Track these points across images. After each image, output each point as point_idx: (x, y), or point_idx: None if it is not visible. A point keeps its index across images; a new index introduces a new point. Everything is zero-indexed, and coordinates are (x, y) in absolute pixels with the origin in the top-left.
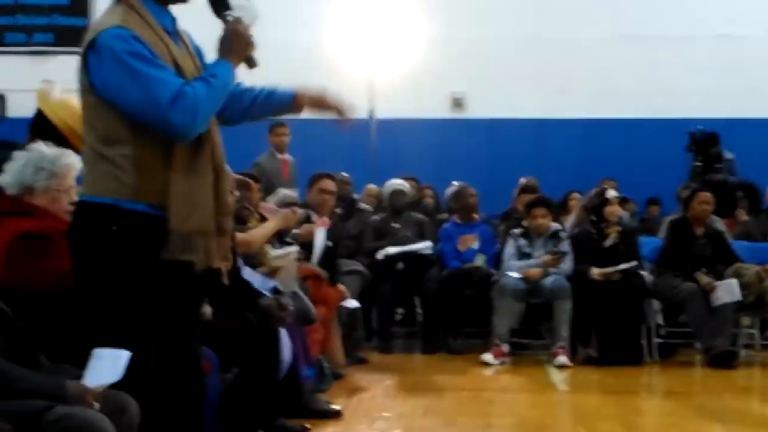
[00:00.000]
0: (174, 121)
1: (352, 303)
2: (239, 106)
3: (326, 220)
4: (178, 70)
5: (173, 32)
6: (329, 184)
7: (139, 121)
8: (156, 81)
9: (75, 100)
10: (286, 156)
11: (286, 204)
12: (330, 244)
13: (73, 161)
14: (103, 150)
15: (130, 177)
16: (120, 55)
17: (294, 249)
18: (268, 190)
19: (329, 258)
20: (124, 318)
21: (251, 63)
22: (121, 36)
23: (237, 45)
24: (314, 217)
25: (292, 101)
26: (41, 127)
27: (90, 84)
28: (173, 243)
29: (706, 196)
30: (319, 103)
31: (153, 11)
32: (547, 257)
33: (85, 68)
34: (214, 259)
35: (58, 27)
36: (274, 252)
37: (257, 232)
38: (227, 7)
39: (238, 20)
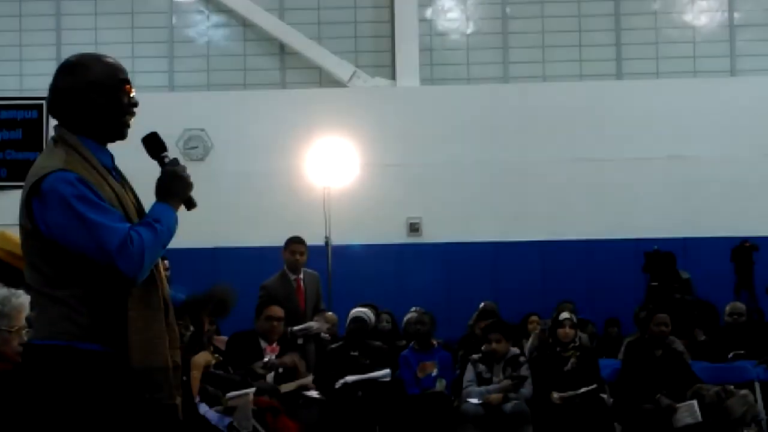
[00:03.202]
0: (122, 268)
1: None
2: None
3: (275, 347)
4: (122, 207)
5: (112, 168)
6: (277, 311)
7: (88, 260)
8: (103, 228)
9: (6, 233)
10: (302, 275)
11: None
12: (281, 370)
13: (23, 301)
14: (52, 292)
15: (84, 318)
16: (67, 199)
17: (251, 390)
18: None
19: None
20: None
21: (190, 204)
22: (66, 179)
23: (177, 187)
24: (263, 343)
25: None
26: None
27: (34, 227)
28: (137, 381)
29: (663, 317)
30: None
31: (92, 149)
32: (507, 382)
33: (29, 212)
34: (176, 394)
35: (10, 161)
36: (229, 393)
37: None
38: (163, 148)
39: (175, 161)
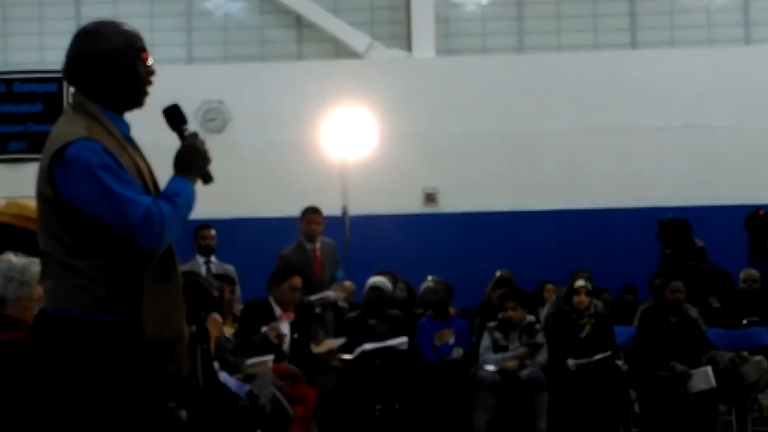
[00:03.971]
0: (142, 242)
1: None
2: None
3: (291, 314)
4: (141, 177)
5: (128, 138)
6: (298, 281)
7: (108, 231)
8: (127, 201)
9: (18, 201)
10: (318, 245)
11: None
12: (296, 336)
13: None
14: (71, 262)
15: (101, 289)
16: (92, 168)
17: (269, 357)
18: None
19: (301, 352)
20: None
21: (207, 179)
22: (92, 149)
23: (196, 161)
24: (278, 311)
25: None
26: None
27: (56, 195)
28: (150, 352)
29: (678, 284)
30: None
31: (111, 118)
32: (523, 350)
33: (50, 180)
34: (186, 366)
35: (31, 134)
36: (249, 359)
37: None
38: (184, 120)
39: (195, 135)
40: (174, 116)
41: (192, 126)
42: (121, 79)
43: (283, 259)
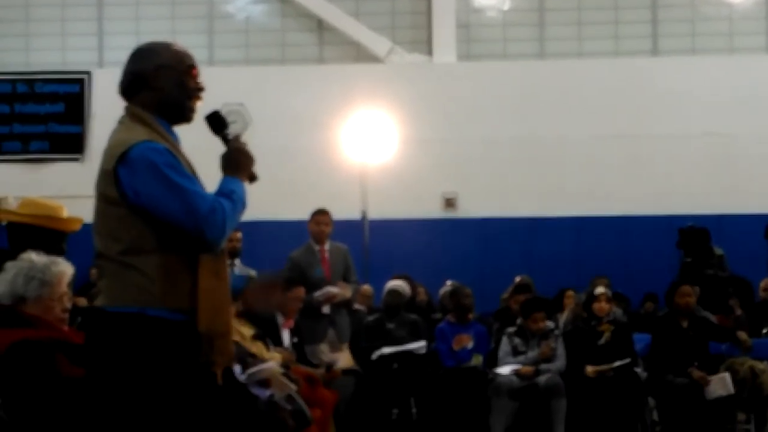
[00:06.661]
0: (208, 234)
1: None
2: None
3: (291, 322)
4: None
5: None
6: (303, 291)
7: (174, 228)
8: (194, 194)
9: (33, 199)
10: (327, 247)
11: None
12: (296, 340)
13: (63, 269)
14: (129, 260)
15: (157, 285)
16: (158, 166)
17: (271, 364)
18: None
19: (303, 354)
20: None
21: (253, 178)
22: (156, 149)
23: (243, 162)
24: (280, 319)
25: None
26: (16, 235)
27: (120, 195)
28: (202, 345)
29: (687, 288)
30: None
31: (164, 128)
32: (547, 347)
33: (115, 181)
34: (233, 359)
35: (53, 135)
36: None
37: None
38: (225, 125)
39: (238, 138)
40: (215, 122)
41: None
42: (170, 92)
43: (292, 260)
